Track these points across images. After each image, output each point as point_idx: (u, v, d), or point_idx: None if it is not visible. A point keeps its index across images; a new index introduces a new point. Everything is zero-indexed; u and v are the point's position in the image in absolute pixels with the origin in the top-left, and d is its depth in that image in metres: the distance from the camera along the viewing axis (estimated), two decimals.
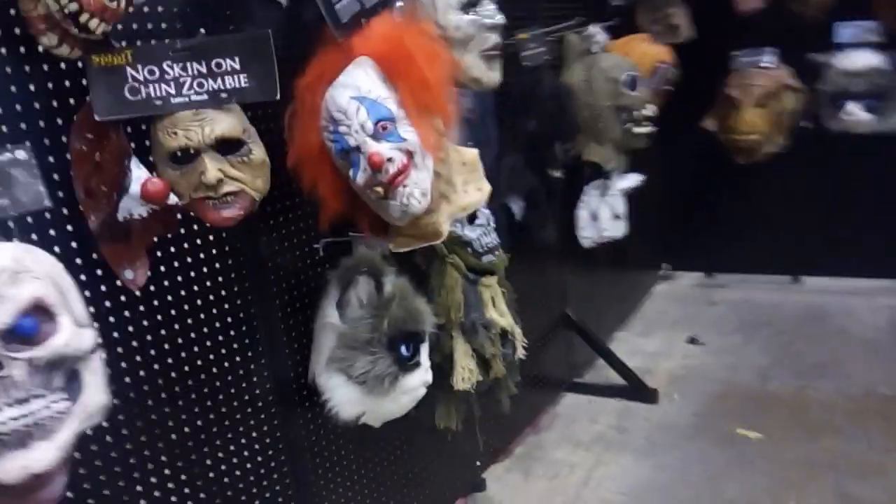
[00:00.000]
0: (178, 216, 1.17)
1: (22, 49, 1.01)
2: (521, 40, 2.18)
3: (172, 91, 1.06)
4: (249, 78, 1.08)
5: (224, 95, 1.08)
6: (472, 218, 1.66)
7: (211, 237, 1.30)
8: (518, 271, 2.31)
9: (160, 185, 1.05)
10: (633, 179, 2.53)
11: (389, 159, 1.25)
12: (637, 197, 2.71)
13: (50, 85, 1.04)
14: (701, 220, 3.69)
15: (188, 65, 1.06)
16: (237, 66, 1.07)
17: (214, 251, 1.31)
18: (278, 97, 1.11)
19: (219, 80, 1.07)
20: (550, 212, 2.31)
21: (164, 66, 1.05)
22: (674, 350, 3.07)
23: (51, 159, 1.05)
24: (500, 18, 1.51)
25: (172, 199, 1.10)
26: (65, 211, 1.07)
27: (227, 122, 1.09)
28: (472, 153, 1.49)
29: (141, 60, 1.04)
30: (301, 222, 1.48)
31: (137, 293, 1.16)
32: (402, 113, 1.28)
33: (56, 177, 1.05)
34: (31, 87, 1.02)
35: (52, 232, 1.05)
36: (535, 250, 2.38)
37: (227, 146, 1.10)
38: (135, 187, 1.05)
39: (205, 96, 1.07)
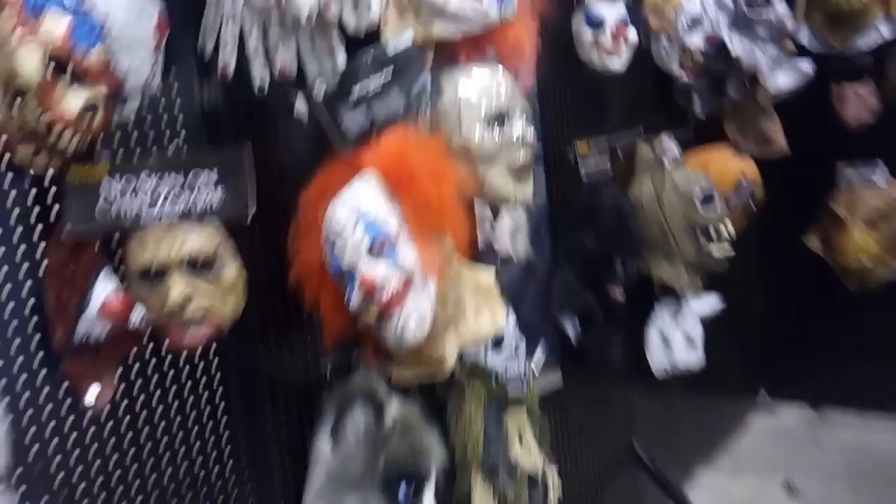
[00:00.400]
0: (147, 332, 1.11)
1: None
2: (581, 149, 2.06)
3: (147, 206, 1.02)
4: (224, 195, 1.03)
5: (198, 212, 1.03)
6: (497, 342, 1.50)
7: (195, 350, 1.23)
8: (574, 395, 2.11)
9: (119, 304, 0.99)
10: (709, 303, 2.28)
11: (383, 284, 1.16)
12: (731, 313, 2.44)
13: (30, 195, 1.03)
14: (808, 342, 3.28)
15: (165, 178, 1.02)
16: (213, 183, 1.03)
17: (198, 364, 1.24)
18: (249, 218, 1.04)
19: (194, 196, 1.03)
20: (610, 332, 2.10)
21: (140, 179, 1.02)
22: (765, 499, 2.66)
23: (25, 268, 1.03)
24: (530, 133, 1.40)
25: (138, 317, 1.04)
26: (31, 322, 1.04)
27: (199, 239, 1.03)
28: (488, 275, 1.35)
29: (117, 174, 1.02)
30: (304, 336, 1.38)
31: (101, 411, 1.10)
32: (404, 230, 1.19)
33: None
34: (10, 197, 1.02)
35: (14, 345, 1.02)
36: (595, 372, 2.18)
37: (197, 264, 1.04)
38: (96, 303, 1.00)
39: (178, 211, 1.03)
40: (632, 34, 2.04)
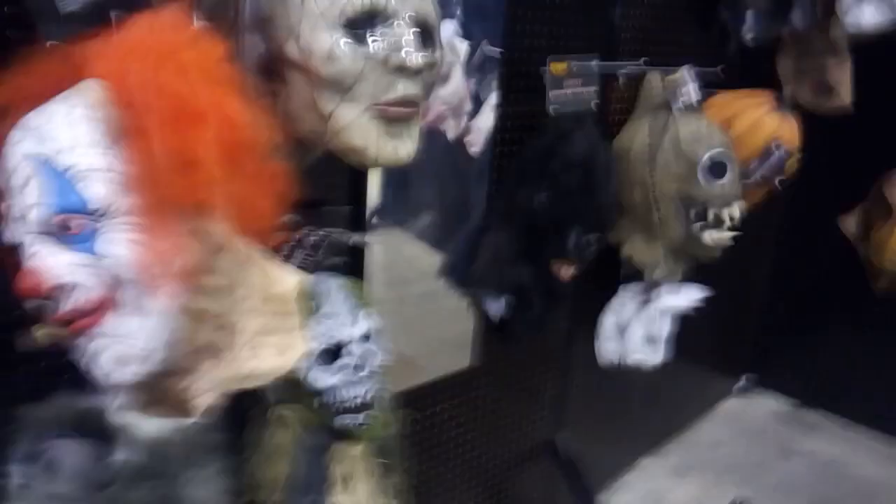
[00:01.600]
0: None
1: None
2: (555, 69, 1.48)
3: None
4: None
5: None
6: (334, 354, 1.03)
7: None
8: (490, 379, 1.70)
9: None
10: (687, 297, 1.77)
11: (61, 286, 0.67)
12: (725, 295, 1.94)
13: None
14: (808, 334, 2.83)
15: None
16: None
17: None
18: None
19: None
20: (545, 314, 1.61)
21: None
22: None
23: None
24: (416, 57, 0.84)
25: None
26: None
27: None
28: (290, 281, 0.85)
29: None
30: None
31: None
32: (127, 202, 0.68)
33: None
34: None
35: None
36: (521, 354, 1.74)
37: None
38: None
39: None
40: None
